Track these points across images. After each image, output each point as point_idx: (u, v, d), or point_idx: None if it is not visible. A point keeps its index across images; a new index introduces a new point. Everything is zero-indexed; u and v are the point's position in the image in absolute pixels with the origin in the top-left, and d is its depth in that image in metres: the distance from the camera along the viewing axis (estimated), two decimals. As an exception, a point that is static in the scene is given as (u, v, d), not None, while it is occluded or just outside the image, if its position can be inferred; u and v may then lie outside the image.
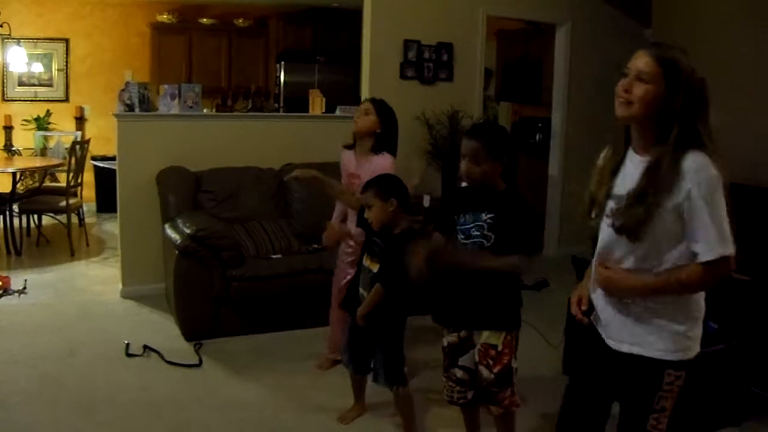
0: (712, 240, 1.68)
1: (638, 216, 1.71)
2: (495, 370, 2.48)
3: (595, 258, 1.95)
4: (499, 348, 2.48)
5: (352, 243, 3.46)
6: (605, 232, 1.85)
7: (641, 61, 1.74)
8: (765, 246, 3.91)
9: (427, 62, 5.52)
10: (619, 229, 1.76)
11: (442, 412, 3.08)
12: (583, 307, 1.97)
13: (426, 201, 5.07)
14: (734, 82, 5.25)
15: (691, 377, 1.85)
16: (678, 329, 1.79)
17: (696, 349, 1.83)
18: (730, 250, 1.69)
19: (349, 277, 3.47)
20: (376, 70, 5.35)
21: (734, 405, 3.07)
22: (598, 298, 1.93)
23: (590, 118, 5.76)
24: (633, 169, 1.80)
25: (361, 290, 2.89)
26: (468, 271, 2.45)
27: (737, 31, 5.25)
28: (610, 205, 1.82)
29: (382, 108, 3.38)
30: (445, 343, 2.60)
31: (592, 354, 1.98)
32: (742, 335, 3.08)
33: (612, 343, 1.88)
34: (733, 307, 3.16)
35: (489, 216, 2.43)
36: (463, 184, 2.61)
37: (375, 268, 2.83)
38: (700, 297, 1.84)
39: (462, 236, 2.49)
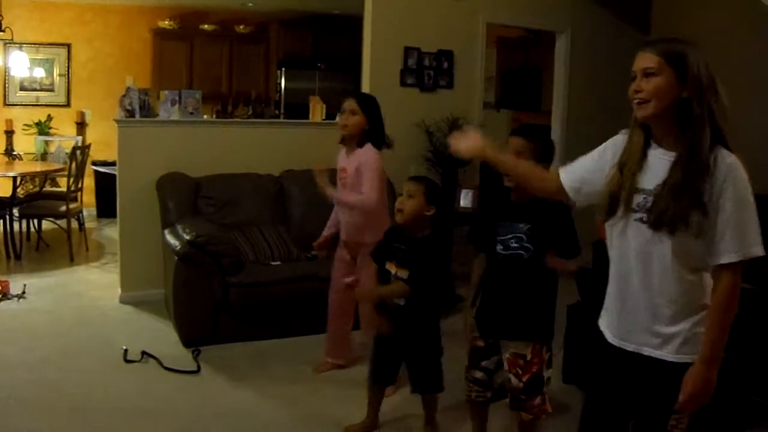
0: (739, 241, 1.69)
1: (678, 207, 1.70)
2: (524, 379, 2.49)
3: (615, 262, 1.90)
4: (528, 357, 2.49)
5: (347, 255, 3.52)
6: (637, 230, 1.80)
7: (644, 59, 1.76)
8: (765, 255, 3.89)
9: (428, 69, 5.52)
10: (656, 223, 1.74)
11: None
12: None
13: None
14: (732, 87, 5.26)
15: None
16: (697, 331, 1.78)
17: None
18: (756, 251, 1.70)
19: (349, 279, 3.47)
20: (376, 77, 5.35)
21: (734, 414, 3.06)
22: (625, 300, 1.87)
23: (590, 126, 5.75)
24: (659, 163, 1.77)
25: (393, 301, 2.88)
26: (505, 283, 2.49)
27: (735, 37, 5.28)
28: (637, 200, 1.79)
29: (366, 104, 3.38)
30: (473, 344, 2.64)
31: (607, 368, 1.95)
32: (742, 344, 3.07)
33: (630, 347, 1.86)
34: (735, 316, 3.15)
35: (527, 227, 2.42)
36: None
37: (403, 273, 2.81)
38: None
39: (501, 247, 2.48)
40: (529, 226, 2.42)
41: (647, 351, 1.82)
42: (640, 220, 1.78)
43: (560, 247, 2.42)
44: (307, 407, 3.30)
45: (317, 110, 5.55)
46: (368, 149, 3.34)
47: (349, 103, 3.36)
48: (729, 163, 1.70)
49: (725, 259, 1.70)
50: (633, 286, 1.83)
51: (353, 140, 3.38)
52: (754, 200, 1.71)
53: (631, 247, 1.81)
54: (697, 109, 1.70)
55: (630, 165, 1.81)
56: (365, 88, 5.37)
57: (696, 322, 1.78)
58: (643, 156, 1.81)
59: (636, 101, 1.76)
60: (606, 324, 1.95)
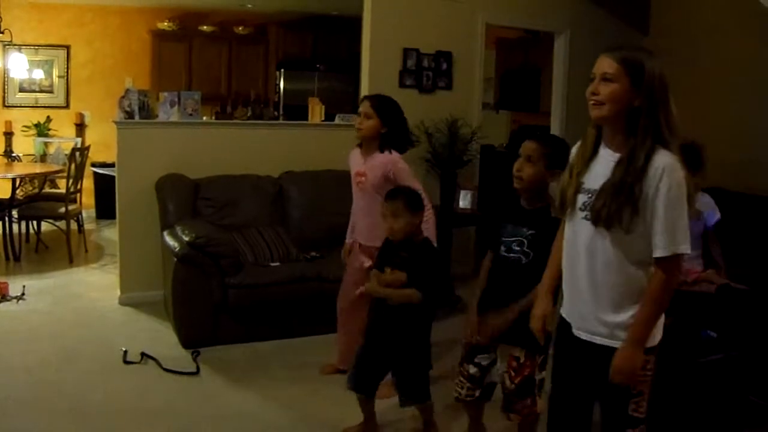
0: (669, 238, 1.80)
1: (614, 205, 1.82)
2: (516, 381, 2.53)
3: (566, 255, 2.03)
4: (521, 360, 2.52)
5: (366, 261, 3.35)
6: (583, 226, 1.93)
7: (604, 63, 1.88)
8: (762, 255, 3.91)
9: (426, 71, 5.53)
10: (595, 219, 1.86)
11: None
12: (548, 327, 2.13)
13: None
14: (729, 88, 5.28)
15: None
16: None
17: (660, 334, 1.95)
18: (683, 249, 1.81)
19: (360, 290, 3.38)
20: (375, 78, 5.36)
21: (733, 415, 3.06)
22: (575, 291, 1.99)
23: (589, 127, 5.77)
24: (604, 163, 1.90)
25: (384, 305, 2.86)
26: (506, 286, 2.53)
27: (733, 37, 5.29)
28: (582, 199, 1.93)
29: (381, 106, 3.30)
30: (469, 341, 2.67)
31: (568, 357, 2.07)
32: (740, 345, 3.08)
33: (584, 335, 1.98)
34: (731, 317, 3.16)
35: (530, 232, 2.46)
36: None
37: (400, 275, 2.79)
38: None
39: (504, 248, 2.53)
40: (532, 232, 2.45)
41: (599, 340, 1.94)
42: (585, 217, 1.91)
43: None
44: (307, 408, 3.30)
45: (316, 111, 5.55)
46: (393, 157, 3.25)
47: (363, 106, 3.32)
48: (666, 164, 1.79)
49: (657, 254, 1.82)
50: (581, 278, 1.96)
51: (370, 143, 3.32)
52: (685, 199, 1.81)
53: (579, 241, 1.95)
54: (644, 119, 1.81)
55: (577, 166, 1.96)
56: (364, 89, 5.38)
57: (638, 310, 1.89)
58: (594, 154, 1.94)
59: (591, 102, 1.89)
60: (565, 311, 2.08)
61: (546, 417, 2.23)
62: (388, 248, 2.90)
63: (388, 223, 2.80)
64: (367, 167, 3.32)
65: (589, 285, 1.94)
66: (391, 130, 3.29)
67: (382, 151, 3.29)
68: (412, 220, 2.77)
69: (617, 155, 1.86)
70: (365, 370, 2.91)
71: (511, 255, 2.49)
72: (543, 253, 2.38)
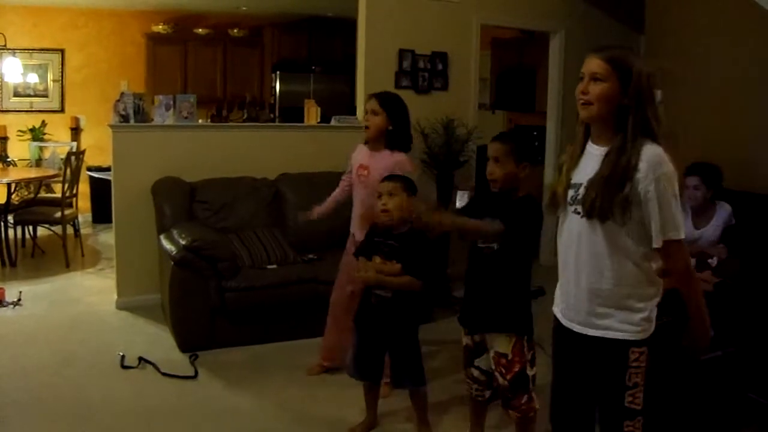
0: (659, 229, 1.85)
1: (606, 198, 1.85)
2: (508, 378, 2.58)
3: (560, 252, 2.09)
4: (509, 357, 2.57)
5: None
6: (573, 221, 1.97)
7: (593, 64, 1.90)
8: (761, 252, 3.92)
9: (422, 71, 5.52)
10: (588, 212, 1.90)
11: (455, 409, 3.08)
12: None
13: (421, 210, 5.06)
14: (725, 86, 5.29)
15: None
16: (638, 315, 1.94)
17: (653, 327, 1.98)
18: (673, 235, 1.86)
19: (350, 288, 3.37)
20: (371, 79, 5.35)
21: (732, 412, 3.07)
22: (568, 285, 2.03)
23: (585, 126, 5.76)
24: (592, 159, 1.94)
25: (378, 292, 2.87)
26: (482, 276, 2.62)
27: (728, 36, 5.29)
28: (571, 194, 1.98)
29: (387, 103, 3.32)
30: (464, 343, 2.74)
31: (562, 350, 2.12)
32: (738, 342, 3.08)
33: (578, 328, 2.01)
34: (730, 314, 3.16)
35: (494, 220, 2.50)
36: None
37: (397, 269, 2.83)
38: (658, 282, 1.97)
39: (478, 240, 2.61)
40: (496, 219, 2.51)
41: (591, 332, 1.97)
42: (575, 211, 1.96)
43: (516, 240, 2.52)
44: (304, 410, 3.30)
45: (312, 113, 5.55)
46: (402, 159, 3.25)
47: (371, 104, 3.33)
48: (653, 157, 1.84)
49: (654, 245, 1.88)
50: (573, 271, 2.00)
51: (377, 141, 3.33)
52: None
53: (571, 236, 1.99)
54: (634, 117, 1.86)
55: (567, 163, 2.01)
56: (360, 90, 5.38)
57: (632, 306, 1.93)
58: (582, 151, 1.99)
59: (581, 102, 1.92)
60: (558, 308, 2.11)
61: (547, 413, 2.24)
62: (374, 238, 2.94)
63: (382, 201, 2.85)
64: (371, 162, 3.33)
65: (582, 278, 1.97)
66: (396, 127, 3.30)
67: (390, 149, 3.29)
68: (406, 203, 2.84)
69: (604, 149, 1.91)
70: (365, 357, 2.96)
71: (484, 245, 2.58)
72: (508, 244, 2.50)
